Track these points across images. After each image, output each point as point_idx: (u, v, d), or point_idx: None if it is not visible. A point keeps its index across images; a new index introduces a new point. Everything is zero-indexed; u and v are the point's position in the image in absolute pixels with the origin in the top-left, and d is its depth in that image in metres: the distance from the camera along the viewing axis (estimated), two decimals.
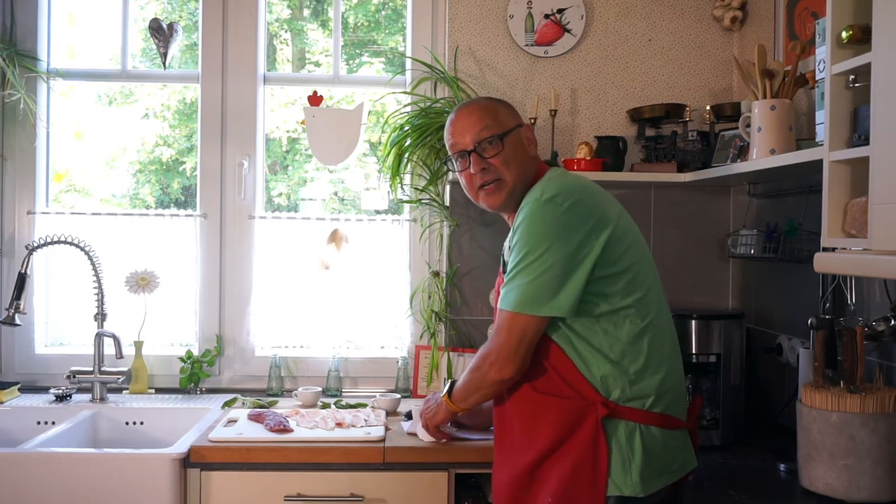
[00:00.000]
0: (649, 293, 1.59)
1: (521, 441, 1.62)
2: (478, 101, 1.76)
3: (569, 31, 2.71)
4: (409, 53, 2.77)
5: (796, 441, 1.80)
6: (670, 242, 2.75)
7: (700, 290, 2.75)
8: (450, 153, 1.75)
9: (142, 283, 2.69)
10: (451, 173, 2.57)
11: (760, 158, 2.03)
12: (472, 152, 1.69)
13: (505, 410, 1.69)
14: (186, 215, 2.77)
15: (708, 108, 2.58)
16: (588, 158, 2.53)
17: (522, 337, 1.55)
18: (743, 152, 2.32)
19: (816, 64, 1.82)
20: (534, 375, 1.60)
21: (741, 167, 2.17)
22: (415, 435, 2.08)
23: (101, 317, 2.56)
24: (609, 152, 2.60)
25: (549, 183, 1.61)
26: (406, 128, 2.62)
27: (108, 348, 2.59)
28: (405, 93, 2.75)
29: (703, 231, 2.76)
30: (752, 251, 2.39)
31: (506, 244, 1.67)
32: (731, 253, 2.56)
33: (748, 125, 2.11)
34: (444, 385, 1.79)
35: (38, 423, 2.42)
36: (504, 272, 1.68)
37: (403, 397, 2.58)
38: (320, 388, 2.55)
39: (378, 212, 2.84)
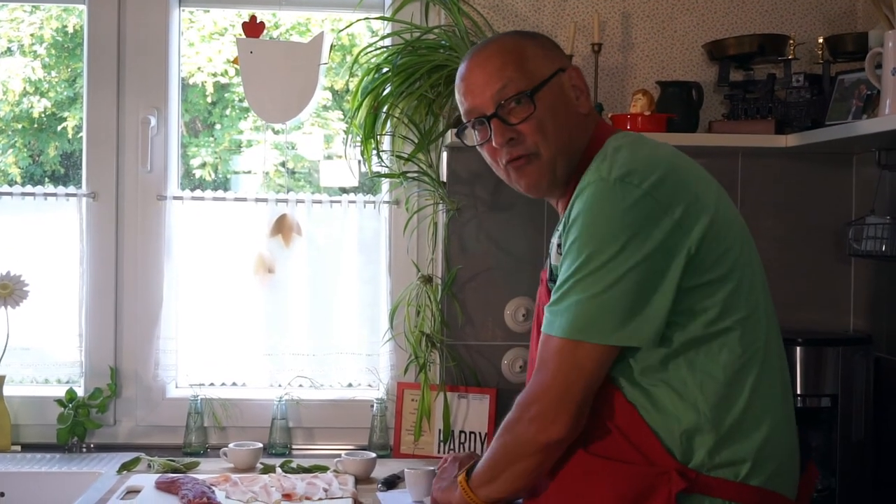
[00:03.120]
0: (757, 312, 1.58)
1: None
2: (496, 42, 1.75)
3: None
4: None
5: None
6: (765, 234, 2.73)
7: (808, 304, 2.74)
8: (464, 120, 1.75)
9: (3, 292, 2.67)
10: (448, 135, 2.56)
11: None
12: (492, 117, 1.68)
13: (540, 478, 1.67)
14: (67, 195, 2.75)
15: (821, 40, 2.56)
16: (647, 113, 2.52)
17: (578, 376, 1.51)
18: (871, 104, 2.30)
19: None
20: (584, 429, 1.58)
21: (868, 126, 2.16)
22: None
23: None
24: (677, 105, 2.59)
25: (618, 154, 1.59)
26: (385, 69, 2.60)
27: None
28: (383, 18, 2.73)
29: (813, 218, 2.75)
30: (884, 247, 2.38)
31: (553, 240, 1.66)
32: (854, 250, 2.55)
33: (879, 66, 2.10)
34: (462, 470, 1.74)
35: None
36: (549, 280, 1.66)
37: (380, 457, 2.56)
38: (261, 445, 2.54)
39: (344, 190, 2.83)
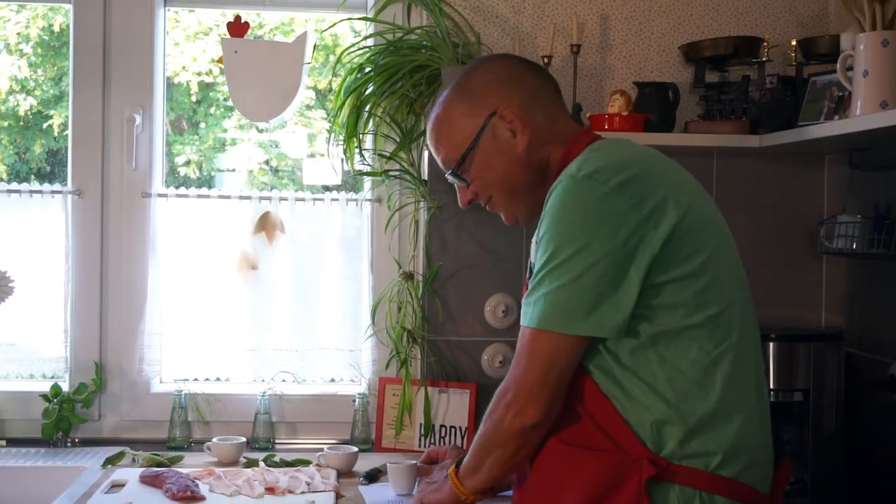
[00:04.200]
0: (729, 309, 1.58)
1: None
2: (436, 108, 1.81)
3: None
4: None
5: None
6: (739, 232, 2.65)
7: (780, 300, 2.75)
8: None
9: None
10: None
11: (867, 114, 2.02)
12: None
13: (523, 468, 1.68)
14: (53, 192, 2.73)
15: (794, 43, 2.57)
16: (624, 113, 2.52)
17: (551, 364, 1.53)
18: (842, 106, 2.31)
19: None
20: (559, 419, 1.60)
21: (839, 127, 2.17)
22: None
23: None
24: (654, 105, 2.60)
25: (591, 155, 1.62)
26: (367, 69, 2.60)
27: None
28: (366, 19, 2.73)
29: (786, 216, 2.76)
30: (855, 245, 2.39)
31: (533, 240, 1.67)
32: (825, 247, 2.56)
33: (850, 68, 2.11)
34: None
35: None
36: (530, 278, 1.66)
37: (362, 451, 2.56)
38: (244, 439, 2.54)
39: (327, 188, 2.82)
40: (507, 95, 1.72)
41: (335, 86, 2.66)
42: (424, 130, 2.60)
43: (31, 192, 2.73)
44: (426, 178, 2.68)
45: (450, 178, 1.79)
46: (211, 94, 2.99)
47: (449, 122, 1.76)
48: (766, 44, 2.58)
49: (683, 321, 1.54)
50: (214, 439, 2.52)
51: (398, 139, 2.64)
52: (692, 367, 1.54)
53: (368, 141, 2.71)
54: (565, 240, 1.52)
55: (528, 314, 1.56)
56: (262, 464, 2.44)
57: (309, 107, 2.93)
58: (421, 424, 2.65)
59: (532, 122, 1.71)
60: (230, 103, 2.73)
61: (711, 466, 1.53)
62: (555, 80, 1.82)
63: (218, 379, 2.80)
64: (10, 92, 2.94)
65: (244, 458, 2.48)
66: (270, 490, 2.20)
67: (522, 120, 1.70)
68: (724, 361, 1.56)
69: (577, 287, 1.51)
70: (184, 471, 2.30)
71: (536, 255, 1.59)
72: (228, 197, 2.77)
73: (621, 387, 1.55)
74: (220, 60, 2.67)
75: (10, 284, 2.66)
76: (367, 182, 2.79)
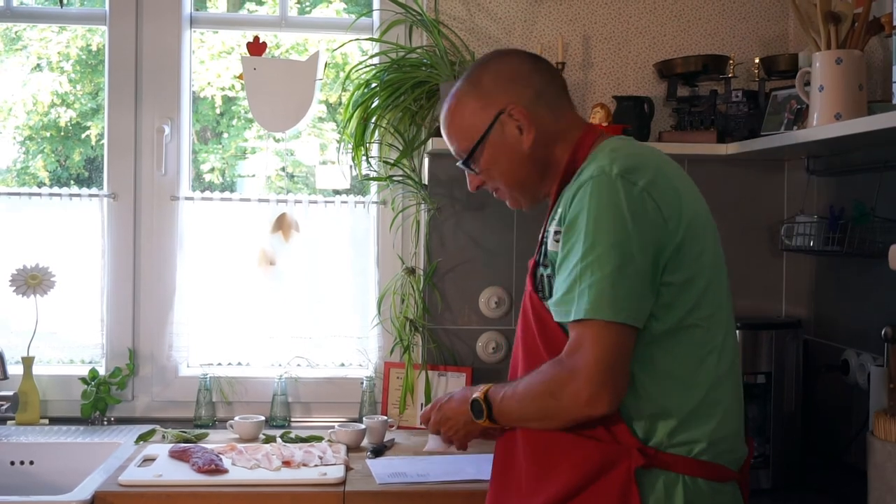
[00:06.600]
0: (720, 311, 1.55)
1: (528, 486, 1.60)
2: (449, 100, 1.73)
3: None
4: None
5: (866, 484, 1.78)
6: None
7: (745, 292, 2.73)
8: None
9: (32, 282, 2.65)
10: (429, 143, 2.56)
11: (823, 125, 2.03)
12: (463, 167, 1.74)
13: (514, 442, 1.63)
14: (90, 195, 2.73)
15: (757, 61, 2.58)
16: (604, 125, 2.52)
17: (619, 353, 1.43)
18: (800, 117, 2.32)
19: (895, 5, 1.80)
20: None
21: (798, 136, 2.17)
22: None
23: None
24: (631, 117, 2.60)
25: (617, 153, 1.55)
26: (373, 84, 2.61)
27: None
28: (372, 39, 2.73)
29: (750, 217, 2.77)
30: (812, 243, 2.39)
31: (551, 227, 1.59)
32: (785, 245, 2.56)
33: (807, 83, 2.11)
34: (477, 387, 1.63)
35: None
36: (541, 265, 1.60)
37: None
38: (263, 418, 2.54)
39: (337, 192, 2.82)
40: (515, 94, 1.64)
41: (344, 100, 2.66)
42: (425, 140, 2.62)
43: (71, 195, 2.73)
44: (426, 183, 2.68)
45: (460, 167, 1.71)
46: (233, 107, 2.99)
47: (461, 115, 1.68)
48: (732, 62, 2.60)
49: (685, 321, 1.50)
50: (236, 418, 2.52)
51: (401, 148, 2.64)
52: (683, 365, 1.51)
53: (374, 149, 2.71)
54: (604, 233, 1.45)
55: (584, 302, 1.44)
56: (279, 440, 2.45)
57: (321, 119, 2.93)
58: (422, 404, 2.66)
59: (538, 120, 1.63)
60: (250, 116, 2.72)
61: (694, 453, 1.50)
62: (560, 75, 1.75)
63: (239, 363, 2.80)
64: (52, 105, 2.94)
65: (263, 434, 2.49)
66: (287, 463, 2.21)
67: (529, 119, 1.63)
68: (711, 360, 1.52)
69: (620, 276, 1.43)
70: (209, 446, 2.31)
71: (561, 242, 1.51)
72: (248, 200, 2.77)
73: None
74: (241, 77, 2.67)
75: (52, 279, 2.67)
76: (374, 186, 2.79)
